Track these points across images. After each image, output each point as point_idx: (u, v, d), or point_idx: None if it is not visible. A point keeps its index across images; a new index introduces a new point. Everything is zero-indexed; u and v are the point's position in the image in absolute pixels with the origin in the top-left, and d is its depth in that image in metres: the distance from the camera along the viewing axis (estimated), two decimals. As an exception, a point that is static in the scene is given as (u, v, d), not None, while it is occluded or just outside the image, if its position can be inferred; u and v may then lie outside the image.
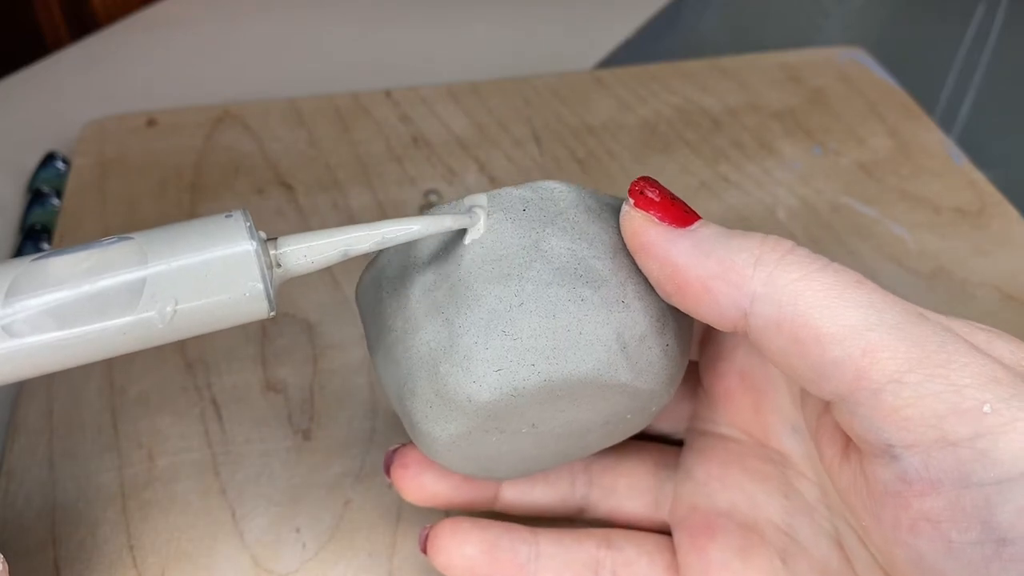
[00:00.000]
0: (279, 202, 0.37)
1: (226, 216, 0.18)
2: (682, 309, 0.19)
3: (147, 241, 0.18)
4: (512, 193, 0.19)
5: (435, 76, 0.46)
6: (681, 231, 0.18)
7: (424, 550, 0.23)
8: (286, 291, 0.33)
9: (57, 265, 0.17)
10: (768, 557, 0.21)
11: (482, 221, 0.19)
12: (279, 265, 0.19)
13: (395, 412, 0.29)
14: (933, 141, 0.42)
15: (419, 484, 0.23)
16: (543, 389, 0.18)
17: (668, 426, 0.25)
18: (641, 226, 0.18)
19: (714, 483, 0.23)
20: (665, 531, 0.24)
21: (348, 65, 0.48)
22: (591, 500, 0.24)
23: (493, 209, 0.19)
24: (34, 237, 0.36)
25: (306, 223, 0.36)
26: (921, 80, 0.47)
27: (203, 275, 0.18)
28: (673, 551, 0.23)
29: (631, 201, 0.19)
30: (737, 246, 0.18)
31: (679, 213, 0.18)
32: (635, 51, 0.51)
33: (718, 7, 0.58)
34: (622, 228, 0.19)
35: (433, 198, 0.37)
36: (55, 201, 0.38)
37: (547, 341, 0.18)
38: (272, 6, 0.53)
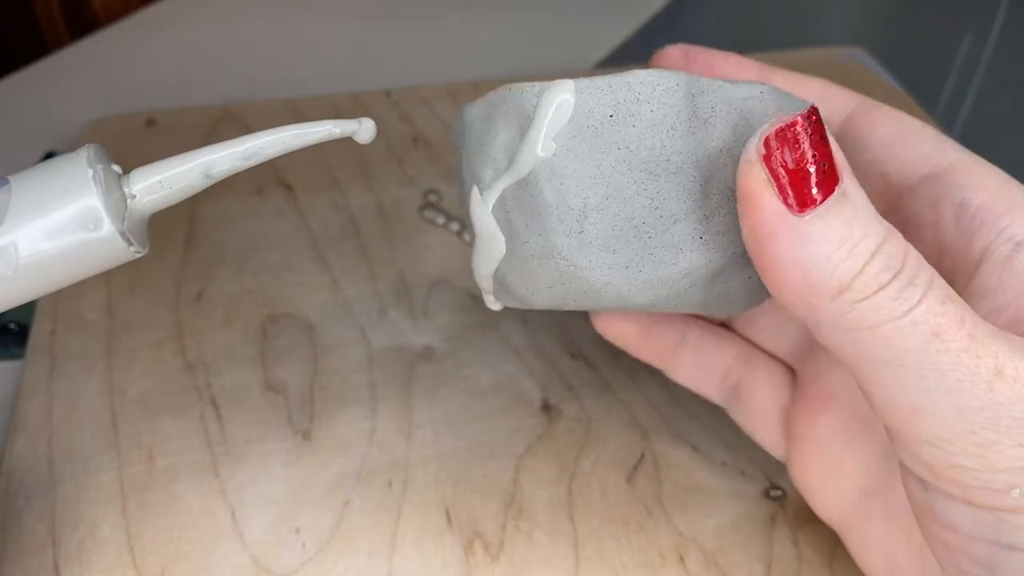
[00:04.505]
0: (279, 202, 0.37)
1: (74, 153, 0.18)
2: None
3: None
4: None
5: (435, 76, 0.46)
6: (789, 220, 0.17)
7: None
8: (286, 291, 0.33)
9: None
10: (872, 452, 0.22)
11: (367, 126, 0.18)
12: (134, 195, 0.18)
13: (396, 413, 0.29)
14: (933, 141, 0.42)
15: None
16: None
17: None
18: (757, 189, 0.17)
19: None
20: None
21: (348, 65, 0.48)
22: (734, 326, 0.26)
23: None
24: (34, 237, 0.36)
25: (306, 223, 0.36)
26: (921, 80, 0.47)
27: (40, 203, 0.17)
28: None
29: (762, 149, 0.17)
30: (828, 268, 0.16)
31: (802, 192, 0.16)
32: (635, 51, 0.51)
33: (718, 7, 0.58)
34: (739, 173, 0.17)
35: (432, 198, 0.37)
36: (55, 201, 0.38)
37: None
38: (272, 6, 0.53)
